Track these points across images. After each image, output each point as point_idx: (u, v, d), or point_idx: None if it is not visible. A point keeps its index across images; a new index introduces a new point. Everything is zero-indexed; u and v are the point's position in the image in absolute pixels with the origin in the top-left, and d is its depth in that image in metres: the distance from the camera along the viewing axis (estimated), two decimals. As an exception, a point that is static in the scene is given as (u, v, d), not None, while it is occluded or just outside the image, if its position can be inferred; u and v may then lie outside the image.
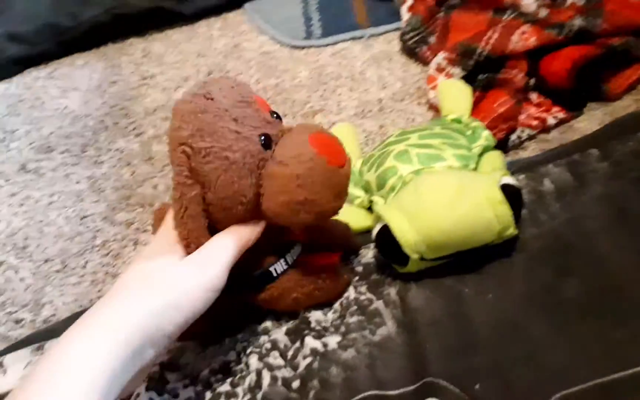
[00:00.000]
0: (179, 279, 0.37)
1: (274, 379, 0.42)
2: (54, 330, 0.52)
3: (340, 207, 0.41)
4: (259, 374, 0.43)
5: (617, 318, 0.38)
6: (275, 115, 0.41)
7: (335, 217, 0.47)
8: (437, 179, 0.45)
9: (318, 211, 0.39)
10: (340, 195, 0.40)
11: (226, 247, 0.38)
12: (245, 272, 0.42)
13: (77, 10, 0.92)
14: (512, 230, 0.42)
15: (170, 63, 0.86)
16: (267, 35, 0.87)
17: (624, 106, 0.64)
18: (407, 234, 0.42)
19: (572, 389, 0.36)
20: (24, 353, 0.49)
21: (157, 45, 0.90)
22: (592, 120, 0.64)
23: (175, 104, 0.39)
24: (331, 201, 0.39)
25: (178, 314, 0.35)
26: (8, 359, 0.48)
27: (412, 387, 0.39)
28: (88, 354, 0.31)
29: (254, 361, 0.44)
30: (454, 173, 0.47)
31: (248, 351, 0.45)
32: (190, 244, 0.39)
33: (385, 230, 0.44)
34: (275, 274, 0.43)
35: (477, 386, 0.38)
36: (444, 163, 0.52)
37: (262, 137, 0.39)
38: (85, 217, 0.68)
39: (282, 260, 0.43)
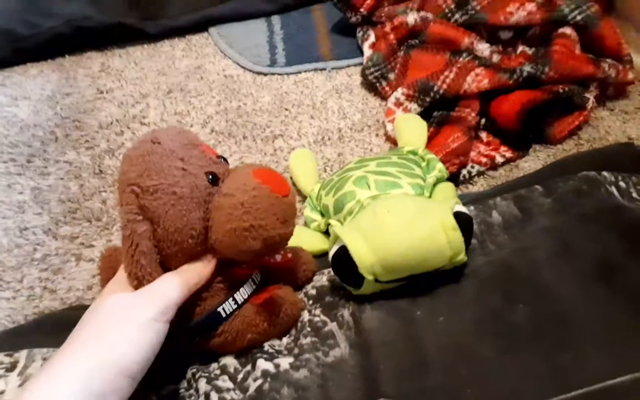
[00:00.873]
0: (128, 313, 0.36)
1: None
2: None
3: (288, 234, 0.42)
4: (207, 396, 0.41)
5: (561, 343, 0.40)
6: (222, 159, 0.43)
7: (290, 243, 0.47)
8: (395, 203, 0.46)
9: (265, 237, 0.39)
10: (287, 222, 0.41)
11: (175, 283, 0.39)
12: (192, 316, 0.42)
13: (36, 20, 0.89)
14: (462, 257, 0.44)
15: (130, 79, 0.84)
16: (231, 59, 0.87)
17: (565, 150, 0.69)
18: (364, 255, 0.43)
19: (518, 410, 0.36)
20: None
21: (116, 61, 0.88)
22: (536, 161, 0.68)
23: (125, 152, 0.41)
24: (277, 227, 0.40)
25: (133, 349, 0.35)
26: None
27: (362, 408, 0.38)
28: None
29: (202, 385, 0.42)
30: (411, 198, 0.48)
31: (197, 376, 0.43)
32: (142, 282, 0.39)
33: (342, 251, 0.44)
34: (224, 315, 0.42)
35: (427, 408, 0.38)
36: (400, 190, 0.53)
37: (210, 175, 0.40)
38: (25, 229, 0.64)
39: (230, 300, 0.42)
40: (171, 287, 0.38)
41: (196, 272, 0.40)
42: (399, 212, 0.44)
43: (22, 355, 0.43)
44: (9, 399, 0.40)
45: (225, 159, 0.44)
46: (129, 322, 0.36)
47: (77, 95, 0.83)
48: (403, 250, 0.42)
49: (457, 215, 0.43)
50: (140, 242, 0.38)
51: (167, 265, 0.40)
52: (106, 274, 0.45)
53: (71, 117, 0.79)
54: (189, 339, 0.42)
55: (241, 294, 0.43)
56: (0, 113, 0.80)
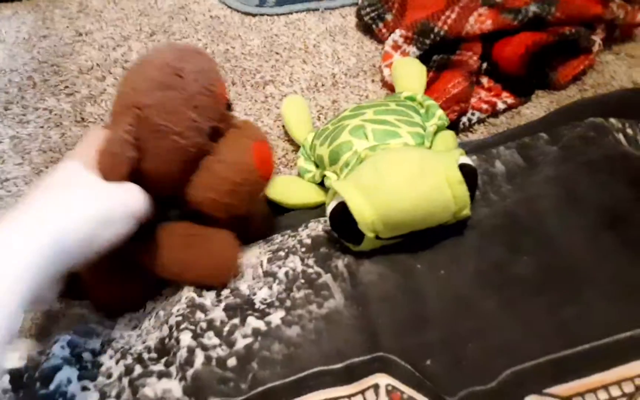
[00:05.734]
0: (110, 195, 0.37)
1: (208, 358, 0.39)
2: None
3: (252, 209, 0.45)
4: (191, 351, 0.40)
5: (566, 295, 0.39)
6: (229, 106, 0.43)
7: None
8: (398, 157, 0.43)
9: (235, 213, 0.42)
10: (258, 199, 0.44)
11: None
12: None
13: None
14: (467, 211, 0.42)
15: (110, 20, 0.79)
16: (217, -1, 0.82)
17: (569, 96, 0.66)
18: (365, 212, 0.40)
19: (523, 365, 0.35)
20: None
21: (95, 0, 0.83)
22: (538, 107, 0.66)
23: (145, 62, 0.39)
24: (247, 205, 0.42)
25: (108, 229, 0.36)
26: None
27: (359, 359, 0.37)
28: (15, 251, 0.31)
29: (186, 338, 0.40)
30: (414, 151, 0.45)
31: (181, 327, 0.41)
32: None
33: (341, 208, 0.42)
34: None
35: (428, 361, 0.37)
36: (400, 140, 0.50)
37: (212, 130, 0.40)
38: (6, 180, 0.61)
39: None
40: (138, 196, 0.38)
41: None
42: (401, 166, 0.41)
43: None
44: None
45: (231, 106, 0.43)
46: (110, 206, 0.36)
47: (54, 37, 0.78)
48: (406, 206, 0.40)
49: (462, 168, 0.41)
50: (122, 164, 0.38)
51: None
52: None
53: (49, 61, 0.74)
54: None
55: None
56: (-28, 57, 0.75)
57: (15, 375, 0.38)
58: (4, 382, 0.38)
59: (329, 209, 0.43)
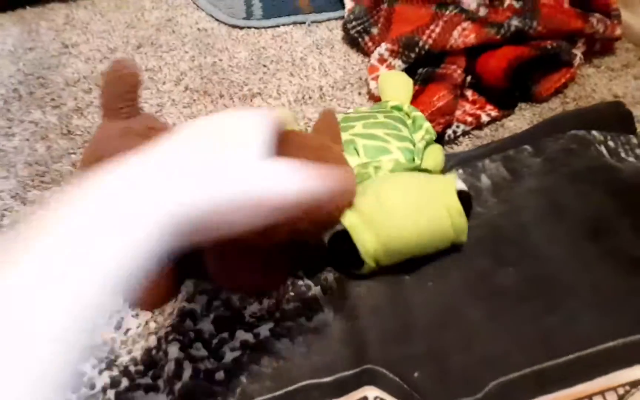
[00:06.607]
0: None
1: (196, 371, 0.39)
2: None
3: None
4: (179, 364, 0.39)
5: (549, 306, 0.39)
6: None
7: None
8: (398, 186, 0.44)
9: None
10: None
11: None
12: None
13: (-12, -34, 0.82)
14: (464, 238, 0.43)
15: (96, 32, 0.79)
16: (204, 11, 0.82)
17: (551, 108, 0.68)
18: (367, 242, 0.41)
19: (509, 377, 0.36)
20: None
21: (81, 12, 0.82)
22: (521, 119, 0.67)
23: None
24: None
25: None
26: None
27: (348, 373, 0.37)
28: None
29: (173, 350, 0.40)
30: (414, 178, 0.45)
31: (170, 338, 0.41)
32: None
33: (341, 235, 0.42)
34: None
35: (415, 374, 0.37)
36: (391, 156, 0.51)
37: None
38: (-9, 194, 0.61)
39: None
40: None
41: None
42: (402, 195, 0.42)
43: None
44: None
45: None
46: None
47: (40, 50, 0.77)
48: (409, 237, 0.41)
49: (459, 194, 0.42)
50: None
51: None
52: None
53: (35, 73, 0.74)
54: None
55: None
56: (-44, 69, 0.74)
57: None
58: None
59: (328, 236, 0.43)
